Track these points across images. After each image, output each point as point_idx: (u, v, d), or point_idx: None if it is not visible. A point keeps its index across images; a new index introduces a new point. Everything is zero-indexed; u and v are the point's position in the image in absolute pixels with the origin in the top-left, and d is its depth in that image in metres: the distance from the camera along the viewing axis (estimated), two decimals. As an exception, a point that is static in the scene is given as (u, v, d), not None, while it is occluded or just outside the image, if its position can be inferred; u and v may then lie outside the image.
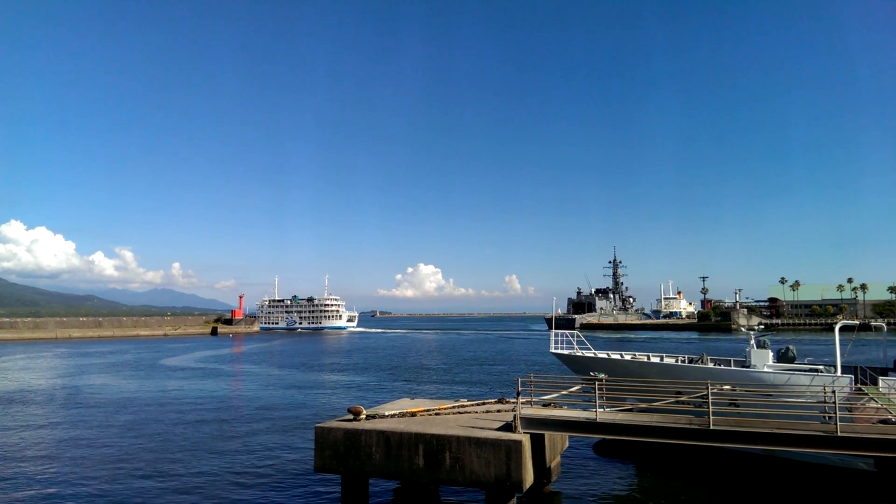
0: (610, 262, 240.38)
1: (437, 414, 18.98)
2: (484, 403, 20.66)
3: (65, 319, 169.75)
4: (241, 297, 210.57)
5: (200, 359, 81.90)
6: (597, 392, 17.09)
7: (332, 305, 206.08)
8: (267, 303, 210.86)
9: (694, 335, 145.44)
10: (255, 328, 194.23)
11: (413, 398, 25.42)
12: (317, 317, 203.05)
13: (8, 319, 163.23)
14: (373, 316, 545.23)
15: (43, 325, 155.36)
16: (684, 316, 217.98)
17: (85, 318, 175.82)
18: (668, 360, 28.06)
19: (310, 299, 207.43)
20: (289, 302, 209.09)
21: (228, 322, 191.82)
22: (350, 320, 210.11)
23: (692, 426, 16.05)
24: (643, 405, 18.84)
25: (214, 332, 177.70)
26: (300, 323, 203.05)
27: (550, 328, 31.77)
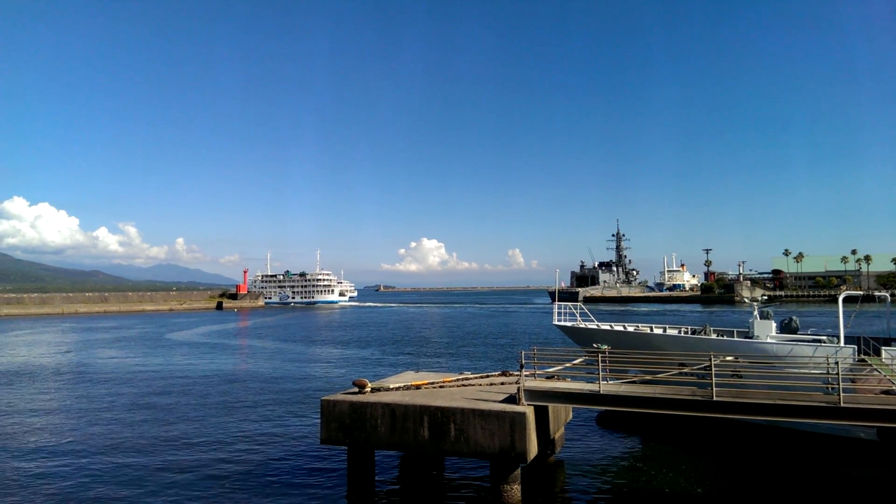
0: (613, 235, 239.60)
1: (441, 387, 19.11)
2: (488, 376, 20.79)
3: (70, 295, 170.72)
4: (245, 272, 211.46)
5: (206, 333, 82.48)
6: (600, 364, 17.13)
7: (324, 280, 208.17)
8: (260, 278, 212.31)
9: (697, 307, 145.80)
10: (260, 302, 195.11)
11: (417, 371, 25.60)
12: (309, 291, 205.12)
13: (14, 295, 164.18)
14: (377, 290, 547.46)
15: (49, 301, 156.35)
16: (688, 288, 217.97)
17: (91, 294, 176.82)
18: (672, 332, 28.11)
19: (302, 274, 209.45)
20: (281, 277, 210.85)
21: (233, 297, 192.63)
22: (342, 294, 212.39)
23: (695, 397, 16.12)
24: (646, 377, 18.93)
25: (220, 306, 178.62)
26: (293, 297, 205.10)
27: (554, 301, 31.83)
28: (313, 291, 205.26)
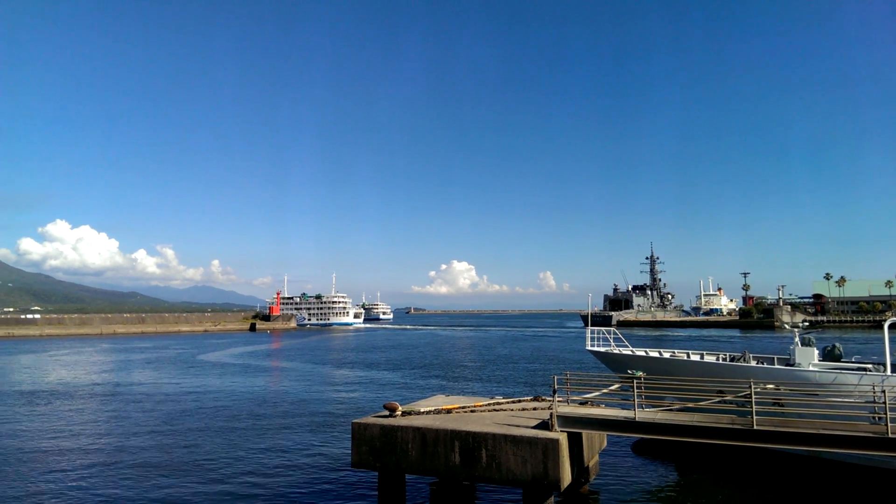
0: (647, 258, 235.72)
1: (472, 411, 18.93)
2: (520, 401, 20.53)
3: (109, 316, 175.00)
4: (278, 294, 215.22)
5: (239, 354, 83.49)
6: (635, 391, 16.80)
7: (339, 302, 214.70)
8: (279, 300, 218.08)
9: (735, 333, 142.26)
10: (293, 324, 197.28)
11: (448, 395, 25.44)
12: (325, 313, 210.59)
13: (56, 316, 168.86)
14: (407, 313, 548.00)
15: (89, 322, 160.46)
16: (725, 313, 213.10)
17: (129, 315, 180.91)
18: (709, 359, 27.44)
19: (318, 297, 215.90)
20: (298, 299, 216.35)
21: (266, 318, 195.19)
22: (357, 317, 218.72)
23: (735, 426, 15.66)
24: (683, 404, 18.48)
25: (253, 328, 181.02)
26: (309, 319, 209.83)
27: (587, 325, 31.44)
28: (329, 314, 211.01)
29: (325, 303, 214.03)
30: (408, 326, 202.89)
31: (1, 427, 31.18)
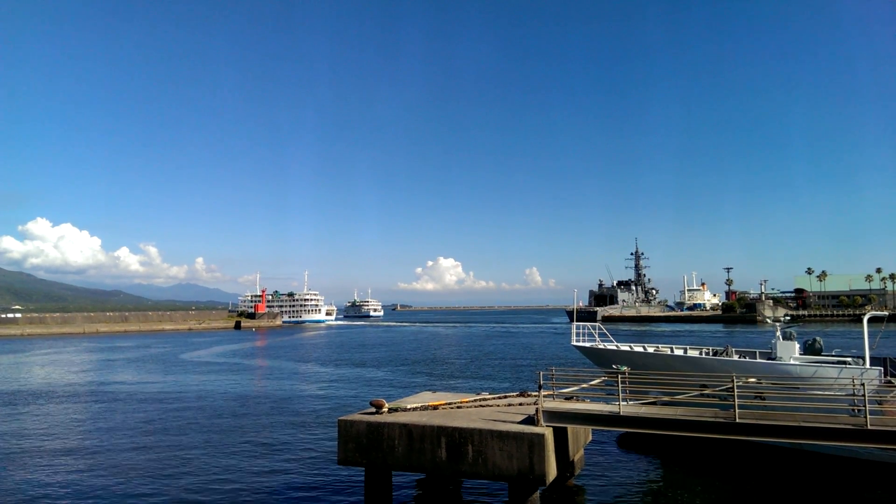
0: (632, 253, 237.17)
1: (458, 407, 18.99)
2: (506, 397, 20.64)
3: (92, 314, 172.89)
4: (263, 292, 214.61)
5: (223, 353, 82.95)
6: (620, 385, 16.96)
7: (311, 300, 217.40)
8: (249, 297, 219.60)
9: (718, 327, 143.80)
10: (278, 322, 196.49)
11: (434, 392, 25.48)
12: (297, 311, 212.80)
13: (37, 315, 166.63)
14: (394, 309, 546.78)
15: (71, 321, 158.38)
16: (708, 308, 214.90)
17: (111, 313, 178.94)
18: (693, 353, 27.76)
19: (290, 294, 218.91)
20: (270, 297, 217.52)
21: (252, 316, 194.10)
22: (328, 314, 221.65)
23: (717, 419, 15.87)
24: (667, 398, 18.67)
25: (238, 326, 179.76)
26: (282, 317, 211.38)
27: (572, 321, 31.61)
28: (301, 311, 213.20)
29: (297, 300, 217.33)
30: (393, 323, 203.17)
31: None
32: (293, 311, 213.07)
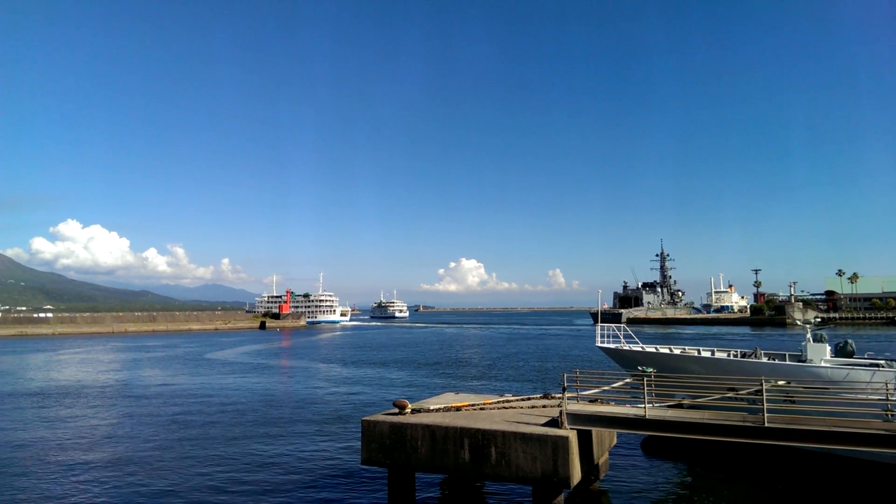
0: (657, 255, 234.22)
1: (481, 409, 18.93)
2: (529, 399, 20.51)
3: (121, 314, 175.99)
4: (287, 292, 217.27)
5: (248, 353, 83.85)
6: (645, 388, 16.74)
7: (326, 301, 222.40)
8: (266, 298, 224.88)
9: (746, 330, 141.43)
10: (302, 322, 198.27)
11: (457, 393, 25.42)
12: (312, 311, 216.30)
13: (68, 315, 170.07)
14: (416, 310, 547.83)
15: (100, 320, 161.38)
16: (736, 310, 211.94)
17: (140, 313, 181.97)
18: (720, 355, 27.29)
19: (306, 295, 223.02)
20: (286, 297, 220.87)
21: (276, 316, 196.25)
22: (343, 315, 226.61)
23: (745, 423, 15.57)
24: (693, 401, 18.39)
25: (263, 326, 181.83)
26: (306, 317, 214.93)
27: (596, 322, 31.35)
28: (316, 312, 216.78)
29: (312, 301, 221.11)
30: (422, 324, 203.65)
31: (11, 426, 31.47)
32: (309, 312, 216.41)
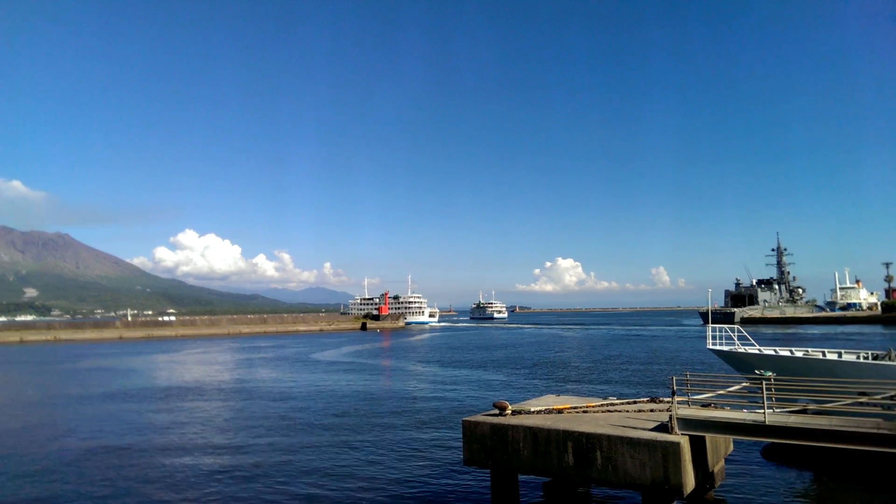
0: (773, 249, 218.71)
1: (584, 411, 18.34)
2: (635, 402, 19.66)
3: (235, 317, 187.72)
4: (386, 294, 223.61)
5: (351, 353, 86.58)
6: (764, 392, 15.56)
7: (415, 303, 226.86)
8: (359, 301, 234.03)
9: (878, 329, 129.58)
10: (401, 323, 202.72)
11: (558, 395, 24.87)
12: (402, 313, 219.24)
13: (188, 318, 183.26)
14: (513, 311, 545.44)
15: (217, 323, 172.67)
16: (865, 307, 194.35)
17: (252, 316, 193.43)
18: (848, 357, 25.03)
19: (395, 297, 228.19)
20: (377, 300, 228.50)
21: (376, 318, 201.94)
22: (431, 316, 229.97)
23: (880, 431, 14.11)
24: (819, 407, 16.92)
25: (364, 327, 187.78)
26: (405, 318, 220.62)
27: (706, 323, 29.73)
28: (406, 313, 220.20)
29: (402, 303, 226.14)
30: (522, 325, 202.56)
31: (138, 421, 34.08)
32: (398, 314, 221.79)
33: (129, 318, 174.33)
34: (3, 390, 50.07)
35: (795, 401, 18.38)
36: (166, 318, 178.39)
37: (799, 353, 26.20)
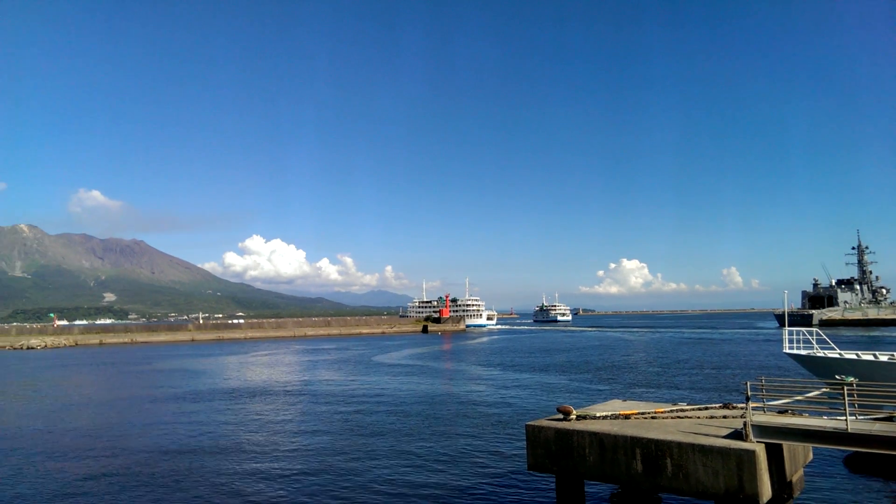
0: (853, 247, 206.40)
1: (653, 417, 17.78)
2: (707, 408, 18.92)
3: (300, 320, 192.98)
4: (447, 297, 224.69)
5: (412, 356, 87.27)
6: (846, 398, 14.69)
7: (472, 305, 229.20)
8: (417, 304, 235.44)
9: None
10: (461, 326, 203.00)
11: (624, 400, 24.25)
12: (460, 316, 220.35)
13: (256, 320, 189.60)
14: (576, 314, 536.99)
15: (283, 325, 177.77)
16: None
17: (316, 319, 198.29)
18: None
19: (454, 300, 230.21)
20: (435, 302, 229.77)
21: (437, 321, 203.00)
22: (489, 319, 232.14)
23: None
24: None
25: (425, 330, 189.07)
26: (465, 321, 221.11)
27: (782, 325, 28.43)
28: (464, 316, 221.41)
29: (459, 306, 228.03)
30: (587, 328, 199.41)
31: (208, 422, 35.30)
32: (457, 317, 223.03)
33: (201, 321, 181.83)
34: (84, 391, 52.98)
35: (881, 408, 17.29)
36: (235, 321, 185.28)
37: (884, 358, 24.68)
